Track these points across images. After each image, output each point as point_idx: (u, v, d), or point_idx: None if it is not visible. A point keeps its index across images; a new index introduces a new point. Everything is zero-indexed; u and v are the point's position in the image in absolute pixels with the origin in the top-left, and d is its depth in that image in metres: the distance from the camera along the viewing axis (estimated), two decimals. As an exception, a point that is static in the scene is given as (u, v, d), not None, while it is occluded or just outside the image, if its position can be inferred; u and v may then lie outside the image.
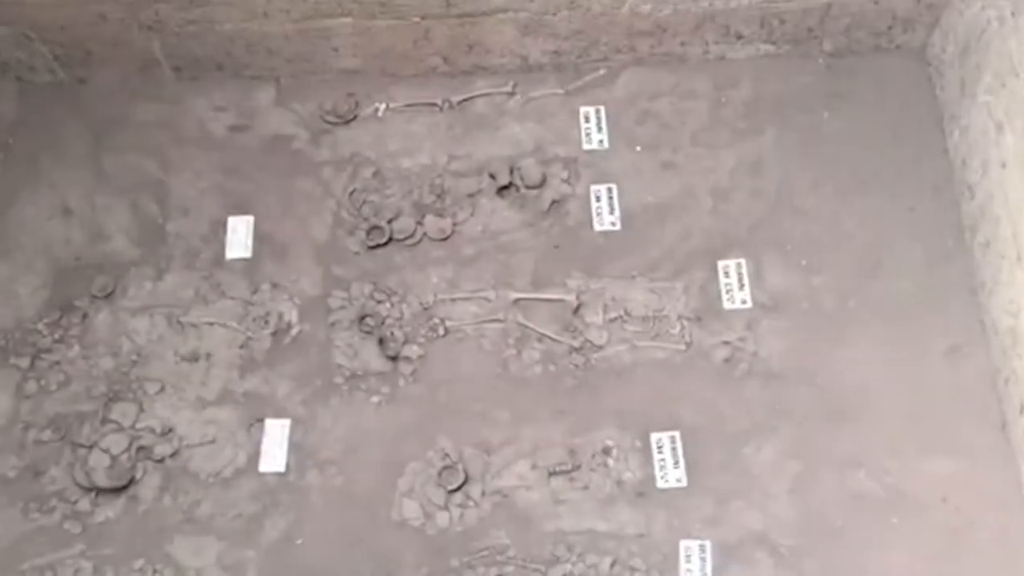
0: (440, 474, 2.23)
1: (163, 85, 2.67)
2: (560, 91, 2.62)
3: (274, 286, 2.45)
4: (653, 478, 2.23)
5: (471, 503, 2.22)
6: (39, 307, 2.44)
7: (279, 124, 2.62)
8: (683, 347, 2.34)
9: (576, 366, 2.34)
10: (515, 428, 2.29)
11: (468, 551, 2.18)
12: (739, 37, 2.56)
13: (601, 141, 2.56)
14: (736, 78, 2.61)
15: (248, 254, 2.48)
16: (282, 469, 2.27)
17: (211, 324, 2.41)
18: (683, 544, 2.17)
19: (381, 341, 2.36)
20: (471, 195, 2.52)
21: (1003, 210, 2.22)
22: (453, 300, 2.42)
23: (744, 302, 2.37)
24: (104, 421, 2.31)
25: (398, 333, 2.38)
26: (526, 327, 2.38)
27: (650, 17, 2.49)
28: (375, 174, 2.55)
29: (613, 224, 2.47)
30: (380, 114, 2.63)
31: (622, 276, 2.42)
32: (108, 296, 2.44)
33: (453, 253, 2.47)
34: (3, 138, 2.62)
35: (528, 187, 2.51)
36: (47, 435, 2.31)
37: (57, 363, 2.38)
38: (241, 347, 2.39)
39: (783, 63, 2.62)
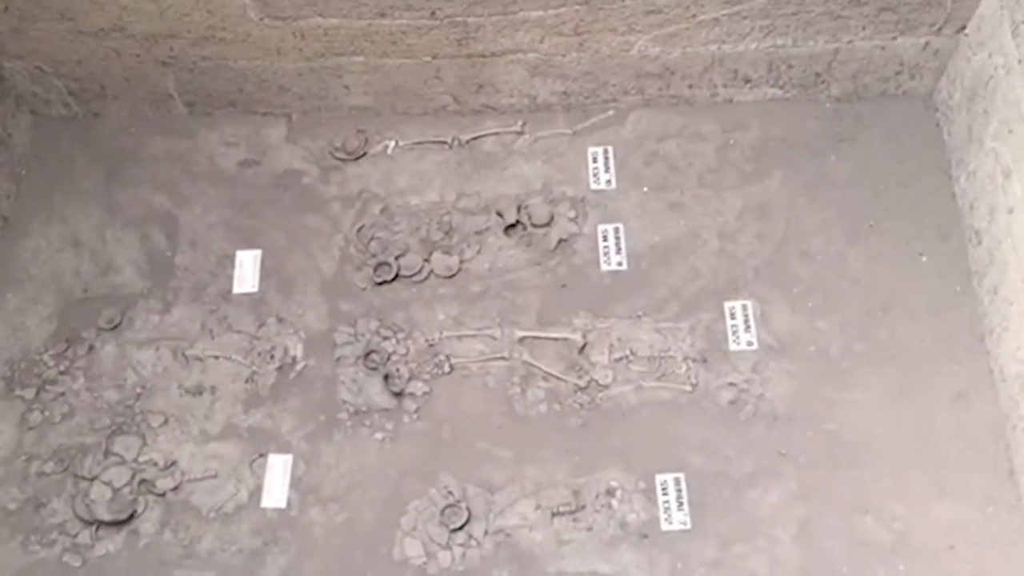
0: (443, 513, 2.22)
1: (175, 120, 2.70)
2: (568, 131, 2.64)
3: (280, 321, 2.45)
4: (657, 520, 2.21)
5: (473, 542, 2.20)
6: (46, 338, 2.46)
7: (289, 160, 2.65)
8: (689, 388, 2.33)
9: (581, 405, 2.33)
10: (519, 467, 2.27)
11: (470, 591, 2.16)
12: (747, 81, 2.58)
13: (609, 181, 2.57)
14: (744, 121, 2.63)
15: (255, 288, 2.49)
16: (284, 505, 2.26)
17: (216, 358, 2.42)
18: (687, 588, 2.14)
19: (386, 377, 2.36)
20: (479, 233, 2.53)
21: (1011, 256, 2.21)
22: (459, 337, 2.42)
23: (750, 344, 2.37)
24: (107, 454, 2.31)
25: (403, 370, 2.38)
26: (531, 366, 2.37)
27: (658, 60, 2.52)
28: (383, 210, 2.57)
29: (620, 264, 2.48)
30: (390, 151, 2.65)
31: (628, 316, 2.41)
32: (115, 328, 2.45)
33: (460, 290, 2.47)
34: (16, 170, 2.64)
35: (535, 226, 2.52)
36: (50, 467, 2.31)
37: (62, 394, 2.38)
38: (246, 381, 2.39)
39: (790, 107, 2.64)
